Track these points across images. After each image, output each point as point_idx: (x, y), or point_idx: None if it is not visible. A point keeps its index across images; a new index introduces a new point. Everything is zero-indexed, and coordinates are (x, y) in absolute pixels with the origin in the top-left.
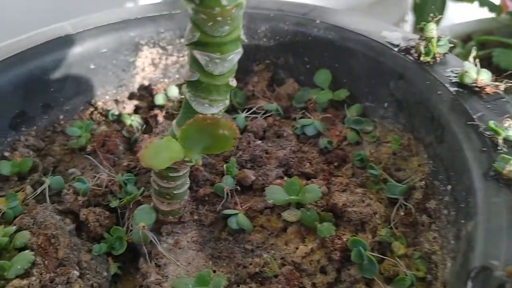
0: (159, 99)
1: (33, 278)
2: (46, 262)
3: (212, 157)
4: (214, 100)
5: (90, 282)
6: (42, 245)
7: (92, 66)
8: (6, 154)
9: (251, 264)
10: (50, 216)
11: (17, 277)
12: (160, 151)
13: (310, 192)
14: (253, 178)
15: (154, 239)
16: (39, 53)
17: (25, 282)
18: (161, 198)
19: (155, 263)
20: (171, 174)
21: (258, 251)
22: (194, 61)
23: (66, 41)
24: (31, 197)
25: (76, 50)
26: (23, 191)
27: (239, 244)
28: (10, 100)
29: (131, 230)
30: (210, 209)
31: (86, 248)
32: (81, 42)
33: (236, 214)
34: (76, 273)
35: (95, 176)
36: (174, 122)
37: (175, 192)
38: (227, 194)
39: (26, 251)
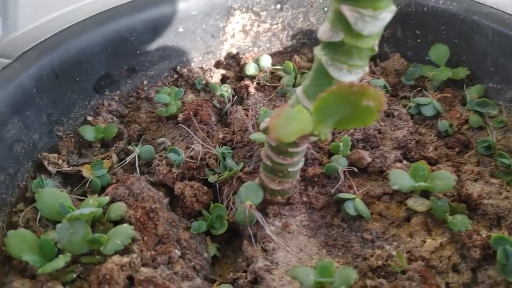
0: (250, 69)
1: (134, 255)
2: (145, 238)
3: None
4: (354, 65)
5: (192, 263)
6: (141, 219)
7: (180, 30)
8: (89, 118)
9: (372, 256)
10: (147, 188)
11: (116, 253)
12: (290, 121)
13: (440, 179)
14: (369, 159)
15: (262, 221)
16: (126, 13)
17: (126, 259)
18: (272, 175)
19: (262, 247)
20: (290, 149)
21: (379, 242)
22: (339, 18)
23: (155, 0)
24: (118, 166)
25: (166, 10)
26: (108, 159)
27: (355, 232)
28: (96, 61)
29: (231, 209)
30: (320, 191)
31: (184, 225)
32: (171, 2)
33: (353, 199)
34: (178, 252)
35: (187, 148)
36: (298, 90)
37: (289, 169)
38: (341, 176)
39: (125, 225)
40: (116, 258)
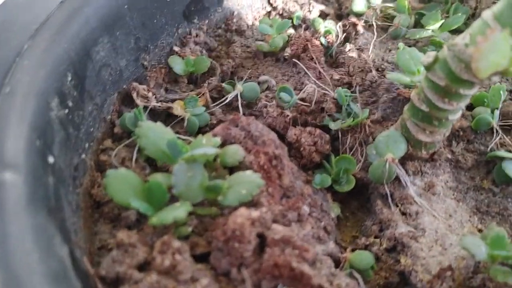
0: (359, 5)
1: (264, 209)
2: (269, 189)
3: None
4: None
5: (322, 223)
6: (265, 167)
7: None
8: (176, 49)
9: None
10: (266, 130)
11: (240, 205)
12: (493, 51)
13: None
14: None
15: (405, 179)
16: None
17: (255, 213)
18: (425, 123)
19: (400, 210)
20: (462, 91)
21: None
22: None
23: None
24: (216, 105)
25: None
26: (201, 96)
27: (511, 198)
28: None
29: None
30: (467, 148)
31: (303, 177)
32: None
33: (511, 158)
34: (307, 209)
35: (296, 88)
36: (487, 15)
37: (449, 117)
38: (497, 130)
39: (248, 171)
40: (244, 211)
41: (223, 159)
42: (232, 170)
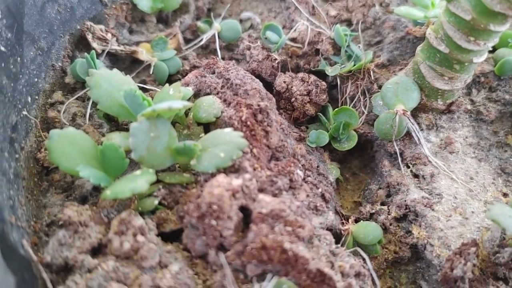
0: None
1: (247, 175)
2: (254, 151)
3: None
4: None
5: (319, 190)
6: (248, 123)
7: None
8: None
9: None
10: (249, 77)
11: (217, 171)
12: None
13: None
14: None
15: (417, 134)
16: None
17: (237, 182)
18: (443, 68)
19: (412, 172)
20: (491, 27)
21: None
22: None
23: None
24: (188, 48)
25: None
26: (171, 38)
27: None
28: None
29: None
30: (490, 97)
31: (296, 134)
32: None
33: None
34: (301, 173)
35: (285, 27)
36: None
37: (474, 59)
38: None
39: (227, 129)
40: (223, 179)
41: (196, 114)
42: (207, 127)
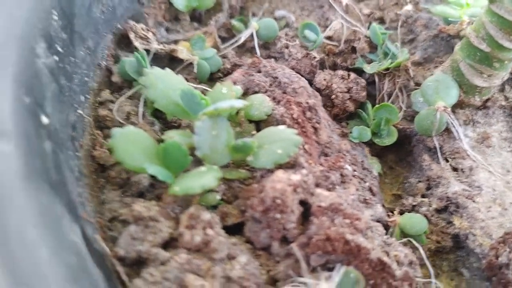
0: None
1: (304, 171)
2: (306, 147)
3: None
4: None
5: (367, 183)
6: (299, 120)
7: None
8: None
9: None
10: (296, 76)
11: (276, 167)
12: None
13: None
14: None
15: (457, 130)
16: None
17: (296, 177)
18: (484, 66)
19: (451, 166)
20: None
21: None
22: None
23: None
24: (227, 46)
25: None
26: (208, 35)
27: None
28: None
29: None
30: None
31: (338, 130)
32: None
33: None
34: (350, 168)
35: (320, 25)
36: None
37: (510, 52)
38: None
39: (282, 126)
40: (283, 175)
41: (248, 112)
42: (258, 124)
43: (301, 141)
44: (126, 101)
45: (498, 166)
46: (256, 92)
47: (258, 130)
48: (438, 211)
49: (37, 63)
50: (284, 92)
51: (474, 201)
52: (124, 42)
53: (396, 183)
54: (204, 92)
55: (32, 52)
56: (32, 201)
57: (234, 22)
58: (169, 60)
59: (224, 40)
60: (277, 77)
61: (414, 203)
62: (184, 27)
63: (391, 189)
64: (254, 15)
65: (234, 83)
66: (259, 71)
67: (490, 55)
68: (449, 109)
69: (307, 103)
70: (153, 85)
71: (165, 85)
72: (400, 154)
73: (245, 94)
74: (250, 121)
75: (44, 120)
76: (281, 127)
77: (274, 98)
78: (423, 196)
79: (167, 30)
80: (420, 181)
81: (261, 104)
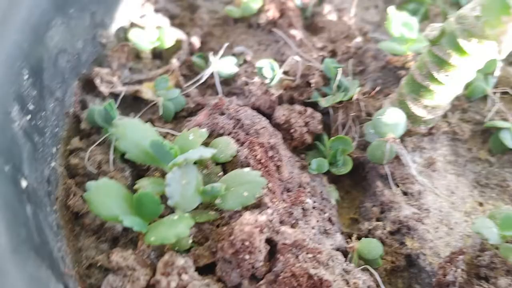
0: None
1: (269, 210)
2: (270, 185)
3: None
4: None
5: (326, 214)
6: (262, 161)
7: None
8: (135, 19)
9: None
10: (257, 116)
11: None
12: None
13: None
14: None
15: (406, 159)
16: None
17: (262, 218)
18: (427, 99)
19: (402, 190)
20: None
21: None
22: None
23: None
24: (190, 85)
25: None
26: (170, 75)
27: (507, 168)
28: None
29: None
30: (463, 118)
31: (298, 163)
32: None
33: (508, 128)
34: (310, 202)
35: (275, 59)
36: None
37: (454, 91)
38: (493, 98)
39: (246, 169)
40: (250, 217)
41: (215, 155)
42: (223, 165)
43: (266, 183)
44: (96, 149)
45: (444, 188)
46: (220, 135)
47: (224, 170)
48: (392, 233)
49: (13, 128)
50: (247, 134)
51: (423, 223)
52: (89, 86)
53: (352, 207)
54: (168, 137)
55: (8, 118)
56: (22, 274)
57: (195, 59)
58: (133, 100)
59: (186, 77)
60: (240, 119)
61: (370, 227)
62: (147, 65)
63: (348, 213)
64: (213, 50)
65: (199, 126)
66: (223, 113)
67: (433, 90)
68: (398, 140)
69: (269, 143)
70: (123, 136)
71: (135, 135)
72: (355, 179)
73: (210, 136)
74: (217, 163)
75: (23, 183)
76: (246, 169)
77: (238, 140)
78: (377, 219)
79: (130, 69)
80: (374, 206)
81: (226, 146)
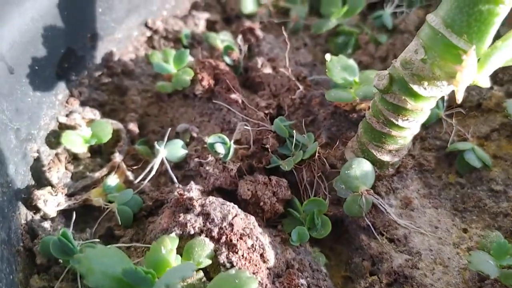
0: (248, 5)
1: None
2: (260, 278)
3: None
4: None
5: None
6: (246, 256)
7: None
8: (62, 120)
9: None
10: (227, 207)
11: None
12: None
13: None
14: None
15: (384, 207)
16: None
17: None
18: (389, 145)
19: (387, 238)
20: (425, 106)
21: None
22: None
23: None
24: (141, 179)
25: None
26: (116, 170)
27: (479, 186)
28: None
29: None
30: (424, 147)
31: (277, 238)
32: None
33: (471, 148)
34: (304, 282)
35: (223, 130)
36: (433, 19)
37: (414, 131)
38: (443, 121)
39: (232, 270)
40: None
41: (195, 259)
42: (205, 271)
43: (257, 281)
44: (61, 285)
45: (427, 225)
46: (192, 235)
47: (205, 272)
48: (389, 285)
49: None
50: (221, 228)
51: (418, 268)
52: (34, 210)
53: (341, 263)
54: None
55: None
56: None
57: (138, 147)
58: (84, 209)
59: (133, 167)
60: (209, 214)
61: (366, 285)
62: (88, 167)
63: (339, 271)
64: (154, 132)
65: (166, 230)
66: (187, 209)
67: (393, 135)
68: (371, 190)
69: (245, 232)
70: (90, 270)
71: (103, 267)
72: (337, 233)
73: (181, 239)
74: (197, 269)
75: None
76: (232, 271)
77: (212, 238)
78: (371, 273)
79: (72, 177)
80: (364, 260)
81: (202, 248)
